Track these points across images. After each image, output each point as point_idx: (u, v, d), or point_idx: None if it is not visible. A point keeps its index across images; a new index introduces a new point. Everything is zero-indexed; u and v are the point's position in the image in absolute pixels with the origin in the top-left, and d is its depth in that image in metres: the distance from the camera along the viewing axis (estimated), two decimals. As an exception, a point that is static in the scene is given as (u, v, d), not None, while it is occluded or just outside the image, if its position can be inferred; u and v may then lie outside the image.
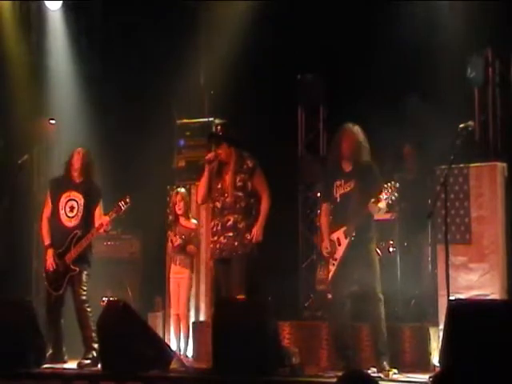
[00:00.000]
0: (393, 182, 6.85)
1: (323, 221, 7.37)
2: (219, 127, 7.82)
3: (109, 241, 9.45)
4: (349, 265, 7.01)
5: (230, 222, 7.38)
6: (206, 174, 7.54)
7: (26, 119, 9.74)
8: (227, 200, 7.41)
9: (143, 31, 9.77)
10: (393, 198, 6.86)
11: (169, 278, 8.23)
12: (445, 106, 7.96)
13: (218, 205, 7.46)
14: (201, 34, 10.00)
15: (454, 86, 8.23)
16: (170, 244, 8.17)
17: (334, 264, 7.09)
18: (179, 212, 8.13)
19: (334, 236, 7.10)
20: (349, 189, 7.09)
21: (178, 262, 8.09)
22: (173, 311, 8.16)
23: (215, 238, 7.46)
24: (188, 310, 8.23)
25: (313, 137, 9.93)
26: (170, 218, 8.19)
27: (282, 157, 9.21)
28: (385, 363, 6.86)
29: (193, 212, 9.11)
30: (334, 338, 7.24)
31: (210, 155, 7.53)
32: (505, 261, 7.44)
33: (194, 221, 8.25)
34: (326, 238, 7.21)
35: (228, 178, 7.45)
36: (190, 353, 8.49)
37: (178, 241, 8.01)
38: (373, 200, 6.85)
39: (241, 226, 7.37)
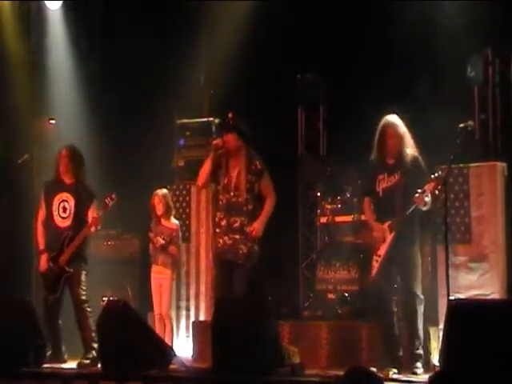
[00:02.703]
0: (440, 172, 6.75)
1: (368, 213, 7.23)
2: (230, 116, 7.70)
3: (109, 241, 9.45)
4: (392, 264, 6.94)
5: (236, 224, 7.32)
6: (210, 158, 7.43)
7: (26, 119, 9.75)
8: (233, 200, 7.35)
9: (143, 31, 9.76)
10: (439, 187, 6.73)
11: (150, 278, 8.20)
12: (445, 105, 7.96)
13: (223, 200, 7.38)
14: (201, 33, 10.01)
15: (454, 85, 8.23)
16: (151, 245, 8.15)
17: (377, 261, 6.99)
18: (159, 213, 8.12)
19: None
20: (392, 182, 6.98)
21: (159, 262, 8.09)
22: (155, 311, 8.15)
23: (219, 232, 7.41)
24: (170, 310, 8.21)
25: (313, 137, 9.94)
26: (153, 220, 8.17)
27: (281, 157, 9.21)
28: (419, 366, 6.85)
29: (193, 211, 9.14)
30: (386, 339, 7.10)
31: (218, 141, 7.46)
32: (505, 260, 7.44)
33: (175, 221, 8.24)
34: (375, 225, 7.06)
35: (236, 175, 7.38)
36: (188, 353, 8.50)
37: (159, 241, 8.01)
38: (419, 191, 6.74)
39: (247, 229, 7.34)
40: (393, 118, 7.05)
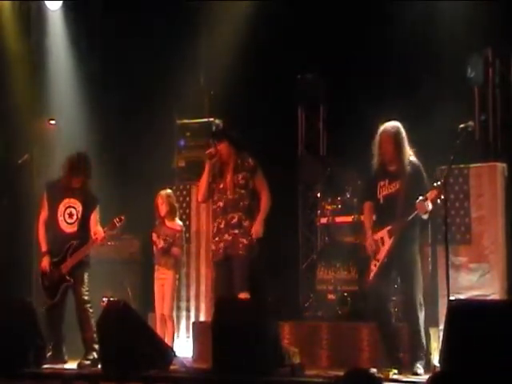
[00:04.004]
0: (442, 181, 6.72)
1: (366, 219, 7.23)
2: (221, 125, 7.82)
3: (109, 241, 9.40)
4: (391, 267, 6.97)
5: (234, 220, 7.42)
6: (206, 169, 7.58)
7: (26, 119, 9.74)
8: (230, 198, 7.45)
9: (143, 31, 9.76)
10: (441, 197, 6.71)
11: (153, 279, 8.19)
12: (445, 106, 7.95)
13: (221, 204, 7.50)
14: (201, 34, 10.00)
15: (454, 86, 8.23)
16: (154, 246, 8.14)
17: (375, 265, 7.01)
18: (162, 214, 8.10)
19: (378, 235, 7.01)
20: (394, 189, 6.97)
21: (162, 264, 8.07)
22: (157, 312, 8.13)
23: (217, 237, 7.48)
24: (172, 311, 8.18)
25: (313, 137, 9.94)
26: (157, 221, 8.16)
27: (281, 157, 9.21)
28: (420, 367, 6.85)
29: (193, 212, 9.13)
30: (386, 340, 7.11)
31: (212, 149, 7.57)
32: (505, 261, 7.45)
33: (179, 222, 8.21)
34: (369, 237, 7.07)
35: (229, 176, 7.50)
36: (188, 353, 8.50)
37: (161, 243, 7.99)
38: (421, 198, 6.73)
39: (246, 223, 7.42)
40: (391, 125, 7.03)
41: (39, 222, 8.01)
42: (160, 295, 8.06)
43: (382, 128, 7.04)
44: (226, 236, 7.43)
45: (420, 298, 6.96)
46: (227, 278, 7.43)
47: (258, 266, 7.54)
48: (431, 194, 6.73)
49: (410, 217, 6.84)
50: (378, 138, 7.04)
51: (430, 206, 6.78)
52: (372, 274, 7.05)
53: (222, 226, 7.46)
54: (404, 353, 7.08)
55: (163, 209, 8.08)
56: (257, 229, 7.41)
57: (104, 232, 7.84)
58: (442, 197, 6.73)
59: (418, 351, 6.96)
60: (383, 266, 6.97)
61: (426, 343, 7.07)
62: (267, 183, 7.58)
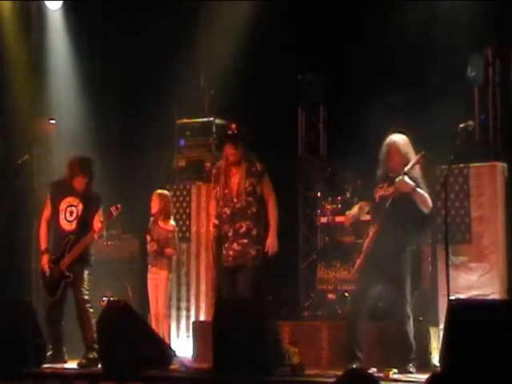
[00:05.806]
0: (423, 153, 6.81)
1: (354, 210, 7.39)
2: (234, 126, 7.67)
3: (109, 241, 9.44)
4: (373, 260, 6.97)
5: (243, 229, 7.30)
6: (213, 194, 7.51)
7: (25, 119, 9.74)
8: (237, 205, 7.32)
9: (143, 31, 9.77)
10: (420, 161, 6.79)
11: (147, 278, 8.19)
12: (445, 105, 7.95)
13: (228, 211, 7.35)
14: (201, 34, 10.01)
15: (454, 85, 8.23)
16: (148, 247, 8.13)
17: (360, 257, 7.07)
18: (153, 211, 8.07)
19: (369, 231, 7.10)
20: (389, 192, 7.00)
21: (155, 264, 8.06)
22: (151, 311, 8.12)
23: (226, 244, 7.37)
24: (167, 310, 8.18)
25: (313, 137, 9.95)
26: (150, 220, 8.15)
27: (282, 157, 9.21)
28: (412, 367, 6.84)
29: (193, 212, 9.13)
30: (350, 337, 7.13)
31: (220, 162, 7.45)
32: (505, 261, 7.45)
33: (172, 222, 8.19)
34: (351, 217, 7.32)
35: (236, 181, 7.36)
36: (188, 353, 8.50)
37: (154, 246, 7.98)
38: (400, 177, 6.79)
39: (254, 232, 7.31)
40: (397, 137, 7.09)
41: (41, 221, 8.01)
42: (154, 295, 8.05)
43: (390, 139, 7.10)
44: (235, 245, 7.31)
45: (408, 300, 6.94)
46: (232, 286, 7.36)
47: (262, 271, 7.48)
48: (414, 160, 6.82)
49: (390, 198, 6.88)
50: (386, 148, 7.10)
51: (411, 182, 6.81)
52: (355, 267, 7.13)
53: (230, 234, 7.34)
54: (393, 353, 7.06)
55: (154, 206, 8.06)
56: (272, 243, 7.27)
57: (101, 222, 7.80)
58: (420, 160, 6.81)
59: (408, 353, 6.92)
60: (366, 259, 7.00)
61: (424, 342, 7.06)
62: (273, 189, 7.45)
